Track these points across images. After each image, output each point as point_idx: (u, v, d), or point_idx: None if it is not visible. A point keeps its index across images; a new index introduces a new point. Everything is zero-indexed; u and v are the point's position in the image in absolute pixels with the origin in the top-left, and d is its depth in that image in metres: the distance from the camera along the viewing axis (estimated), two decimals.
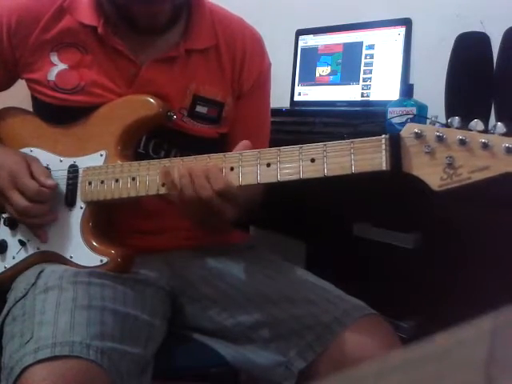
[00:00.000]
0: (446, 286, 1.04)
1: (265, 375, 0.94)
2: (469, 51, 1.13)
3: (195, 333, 1.01)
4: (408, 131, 0.75)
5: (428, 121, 0.76)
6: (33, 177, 0.97)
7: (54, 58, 1.03)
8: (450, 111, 1.11)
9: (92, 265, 0.95)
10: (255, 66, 1.09)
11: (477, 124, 0.71)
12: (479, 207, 0.95)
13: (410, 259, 1.10)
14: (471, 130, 0.71)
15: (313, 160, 0.81)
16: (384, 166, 0.76)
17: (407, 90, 1.20)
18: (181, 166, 0.87)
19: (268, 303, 0.96)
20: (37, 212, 0.97)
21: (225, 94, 1.06)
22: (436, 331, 0.31)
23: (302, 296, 0.95)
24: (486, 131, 0.70)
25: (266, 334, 0.94)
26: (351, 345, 0.87)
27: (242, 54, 1.07)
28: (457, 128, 0.72)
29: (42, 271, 0.95)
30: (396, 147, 0.75)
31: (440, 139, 0.73)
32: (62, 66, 1.03)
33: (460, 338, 0.31)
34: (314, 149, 0.81)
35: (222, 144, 1.04)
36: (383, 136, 0.77)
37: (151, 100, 0.99)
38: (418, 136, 0.74)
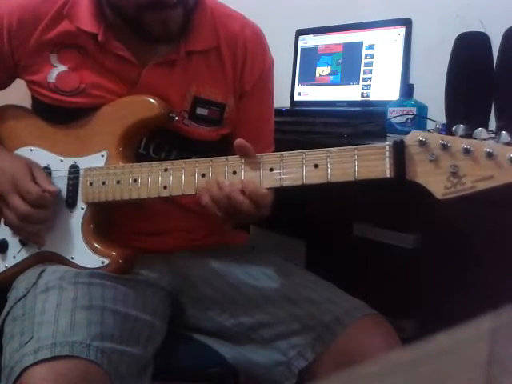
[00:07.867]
0: (446, 286, 1.04)
1: (265, 375, 0.94)
2: (469, 51, 1.13)
3: (195, 333, 1.01)
4: (412, 139, 0.75)
5: (432, 124, 0.76)
6: (35, 181, 0.97)
7: (54, 60, 1.01)
8: (450, 111, 1.11)
9: (93, 266, 0.95)
10: (257, 64, 1.07)
11: (481, 132, 0.71)
12: (479, 207, 0.95)
13: (410, 259, 1.10)
14: (475, 139, 0.71)
15: (316, 166, 0.81)
16: (388, 174, 0.76)
17: (407, 89, 1.21)
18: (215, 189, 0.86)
19: (268, 303, 0.96)
20: (37, 218, 0.96)
21: (226, 94, 1.05)
22: (436, 331, 0.31)
23: (302, 296, 0.95)
24: (489, 138, 0.70)
25: (266, 334, 0.94)
26: (352, 344, 0.87)
27: (243, 54, 1.05)
28: (461, 136, 0.72)
29: (43, 271, 0.95)
30: (400, 155, 0.75)
31: (444, 147, 0.72)
32: (61, 68, 1.02)
33: (460, 338, 0.31)
34: (317, 154, 0.81)
35: (222, 146, 1.03)
36: (387, 143, 0.77)
37: (153, 101, 0.98)
38: (423, 144, 0.74)
